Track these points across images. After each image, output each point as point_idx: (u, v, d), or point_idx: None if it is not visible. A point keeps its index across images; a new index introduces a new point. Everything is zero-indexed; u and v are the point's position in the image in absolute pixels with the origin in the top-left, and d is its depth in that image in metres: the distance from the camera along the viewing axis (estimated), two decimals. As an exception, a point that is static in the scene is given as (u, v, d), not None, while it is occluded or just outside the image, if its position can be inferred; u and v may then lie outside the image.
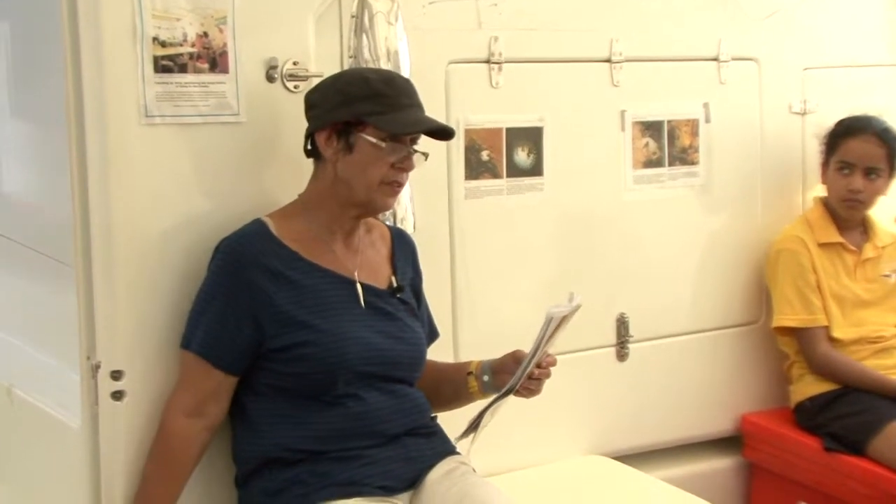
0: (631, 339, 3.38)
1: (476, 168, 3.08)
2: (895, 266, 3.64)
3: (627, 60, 3.29)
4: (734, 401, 3.64)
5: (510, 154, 3.13)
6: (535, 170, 3.17)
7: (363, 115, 2.42)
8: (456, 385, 2.65)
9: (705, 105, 3.48)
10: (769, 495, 3.59)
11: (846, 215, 3.58)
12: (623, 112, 3.32)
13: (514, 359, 2.54)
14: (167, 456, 2.45)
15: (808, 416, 3.48)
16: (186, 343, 2.46)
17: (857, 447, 3.31)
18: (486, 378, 2.59)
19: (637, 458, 3.39)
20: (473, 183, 3.08)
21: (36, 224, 3.06)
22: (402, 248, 2.69)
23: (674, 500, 3.07)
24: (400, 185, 2.52)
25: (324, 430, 2.45)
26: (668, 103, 3.41)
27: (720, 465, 3.62)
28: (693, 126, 3.46)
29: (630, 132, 3.34)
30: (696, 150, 3.47)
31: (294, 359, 2.43)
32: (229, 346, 2.43)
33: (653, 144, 3.39)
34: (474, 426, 2.52)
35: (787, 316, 3.51)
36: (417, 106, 2.49)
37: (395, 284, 2.61)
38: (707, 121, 3.48)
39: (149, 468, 2.46)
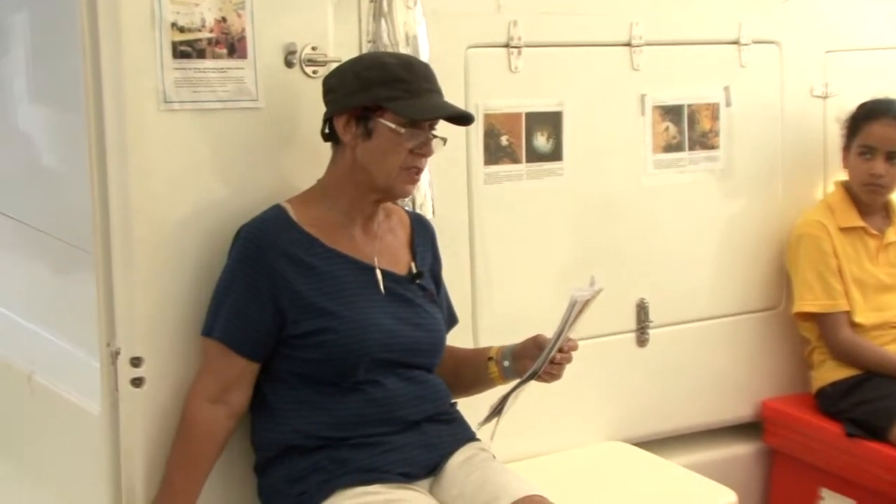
0: (651, 325, 3.37)
1: (495, 153, 3.07)
2: None
3: (647, 44, 3.27)
4: (755, 386, 3.63)
5: (529, 139, 3.12)
6: (555, 155, 3.16)
7: (382, 100, 2.41)
8: (476, 370, 2.64)
9: (726, 89, 3.46)
10: (790, 481, 3.57)
11: (868, 200, 3.55)
12: (643, 96, 3.30)
13: (536, 343, 2.53)
14: (191, 443, 2.44)
15: (830, 401, 3.47)
16: (208, 330, 2.45)
17: (878, 433, 3.30)
18: (506, 363, 2.58)
19: (657, 444, 3.38)
20: (493, 168, 3.07)
21: (55, 210, 3.07)
22: (422, 234, 2.68)
23: (694, 486, 3.07)
24: (419, 170, 2.50)
25: (344, 417, 2.45)
26: (688, 87, 3.40)
27: (741, 451, 3.61)
28: (713, 110, 3.44)
29: (650, 116, 3.32)
30: (717, 135, 3.45)
31: (314, 345, 2.43)
32: (251, 333, 2.43)
33: (673, 129, 3.37)
34: (497, 411, 2.50)
35: (808, 301, 3.49)
36: (437, 91, 2.48)
37: (414, 270, 2.60)
38: (727, 105, 3.46)
39: (173, 456, 2.45)
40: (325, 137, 2.53)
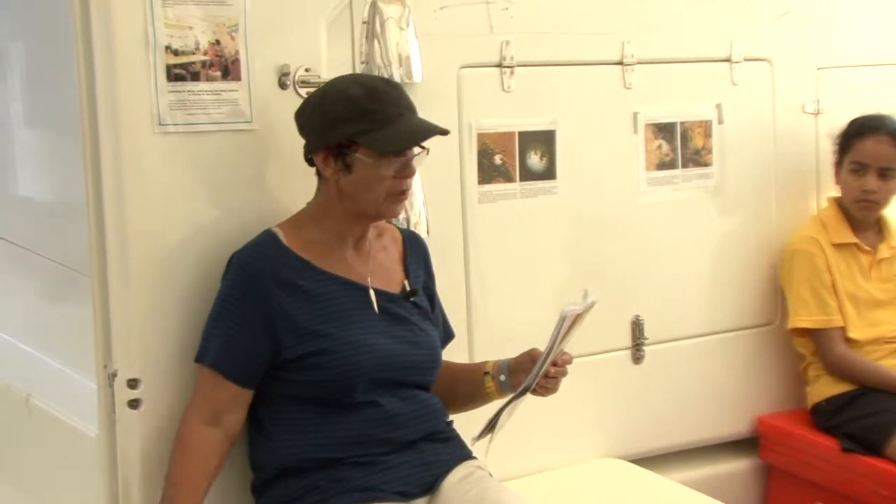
0: (646, 342, 3.37)
1: (489, 172, 3.08)
2: None
3: (639, 62, 3.29)
4: (750, 402, 3.63)
5: (523, 158, 3.13)
6: (549, 173, 3.17)
7: (352, 136, 2.40)
8: (472, 385, 2.64)
9: (718, 106, 3.47)
10: (786, 497, 3.58)
11: (860, 216, 3.57)
12: (636, 114, 3.32)
13: (531, 357, 2.53)
14: (188, 466, 2.43)
15: (825, 417, 3.47)
16: (201, 356, 2.46)
17: (874, 448, 3.30)
18: (502, 378, 2.59)
19: (653, 460, 3.38)
20: (487, 187, 3.08)
21: (51, 233, 3.07)
22: (415, 251, 2.68)
23: (691, 503, 3.06)
24: (405, 192, 2.51)
25: (340, 438, 2.45)
26: (680, 105, 3.41)
27: (737, 467, 3.61)
28: (706, 127, 3.46)
29: (643, 134, 3.34)
30: (710, 152, 3.47)
31: (310, 367, 2.44)
32: (244, 360, 2.43)
33: (666, 146, 3.38)
34: (491, 427, 2.50)
35: (803, 317, 3.50)
36: (407, 110, 2.46)
37: (408, 288, 2.60)
38: (720, 122, 3.48)
39: (172, 479, 2.44)
40: (311, 164, 2.53)
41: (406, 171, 2.46)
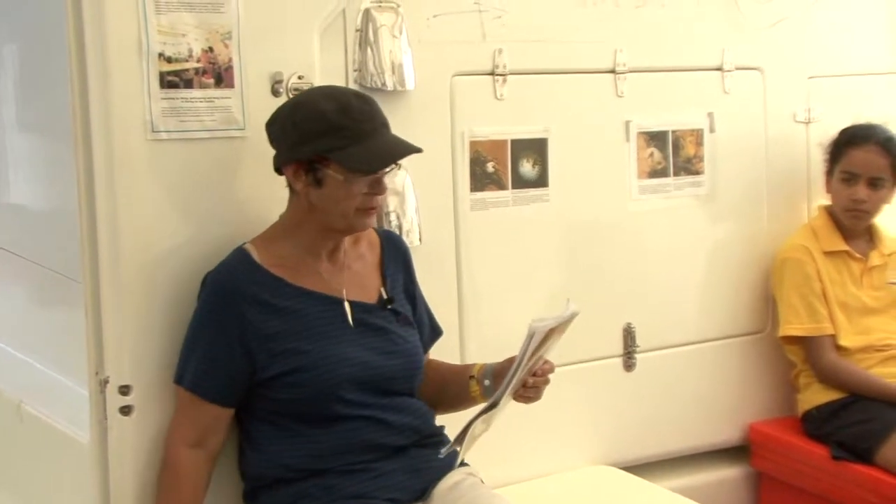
0: (638, 350, 3.38)
1: (481, 180, 3.08)
2: None
3: (631, 71, 3.29)
4: (741, 410, 3.64)
5: (515, 165, 3.13)
6: (541, 181, 3.17)
7: (324, 152, 2.38)
8: (459, 388, 2.63)
9: (709, 115, 3.48)
10: (777, 504, 3.59)
11: (850, 225, 3.58)
12: (628, 122, 3.32)
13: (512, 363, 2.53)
14: (175, 487, 2.44)
15: (816, 424, 3.48)
16: (178, 378, 2.46)
17: (864, 455, 3.31)
18: (486, 382, 2.57)
19: (645, 468, 3.38)
20: (479, 195, 3.08)
21: (44, 240, 3.07)
22: (392, 253, 2.67)
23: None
24: (375, 207, 2.50)
25: (327, 449, 2.46)
26: (672, 113, 3.42)
27: (728, 474, 3.62)
28: (697, 136, 3.46)
29: (635, 142, 3.34)
30: (701, 160, 3.47)
31: (288, 385, 2.43)
32: (221, 380, 2.43)
33: (658, 154, 3.39)
34: (460, 438, 2.41)
35: (794, 325, 3.51)
36: (381, 126, 2.43)
37: (385, 296, 2.59)
38: (711, 130, 3.48)
39: (160, 500, 2.46)
40: (280, 174, 2.51)
41: (377, 189, 2.45)
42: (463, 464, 2.57)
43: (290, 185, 2.49)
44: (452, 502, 2.47)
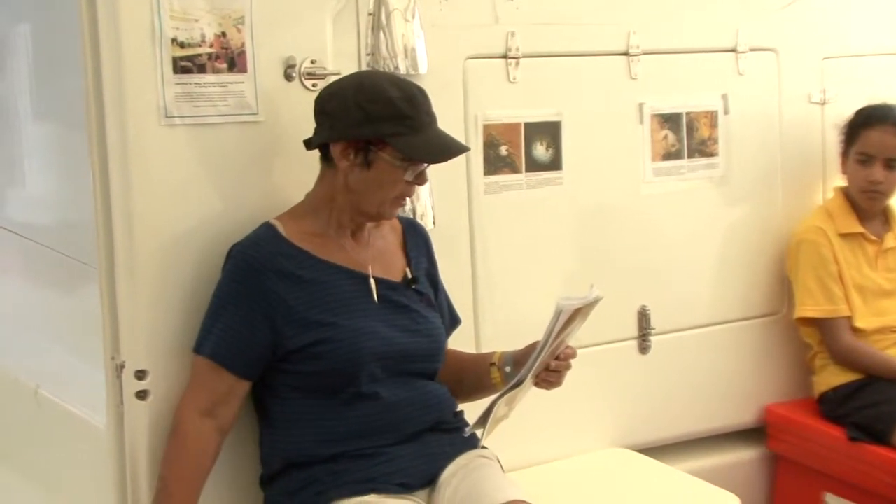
0: (653, 332, 3.38)
1: (495, 163, 3.08)
2: None
3: (645, 53, 3.28)
4: (758, 392, 3.64)
5: (529, 149, 3.13)
6: (554, 164, 3.17)
7: (387, 136, 2.41)
8: (478, 376, 2.65)
9: (724, 96, 3.47)
10: (794, 486, 3.58)
11: (866, 206, 3.57)
12: (641, 105, 3.32)
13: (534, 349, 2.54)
14: (184, 456, 2.44)
15: (832, 406, 3.48)
16: (198, 347, 2.47)
17: (881, 436, 3.31)
18: (507, 369, 2.58)
19: (661, 450, 3.39)
20: (493, 178, 3.08)
21: (58, 225, 3.08)
22: (415, 239, 2.69)
23: (699, 492, 3.07)
24: (409, 196, 2.55)
25: (344, 431, 2.46)
26: (686, 95, 3.41)
27: (744, 456, 3.62)
28: (712, 118, 3.46)
29: (648, 125, 3.33)
30: (716, 142, 3.47)
31: (311, 357, 2.44)
32: (242, 351, 2.44)
33: (672, 137, 3.38)
34: (484, 418, 2.45)
35: (809, 307, 3.51)
36: (434, 120, 2.48)
37: (409, 276, 2.61)
38: (726, 112, 3.47)
39: (166, 470, 2.45)
40: (311, 148, 2.52)
41: (420, 179, 2.50)
42: (475, 447, 2.58)
43: (327, 162, 2.50)
44: (456, 485, 2.47)
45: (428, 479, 2.51)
